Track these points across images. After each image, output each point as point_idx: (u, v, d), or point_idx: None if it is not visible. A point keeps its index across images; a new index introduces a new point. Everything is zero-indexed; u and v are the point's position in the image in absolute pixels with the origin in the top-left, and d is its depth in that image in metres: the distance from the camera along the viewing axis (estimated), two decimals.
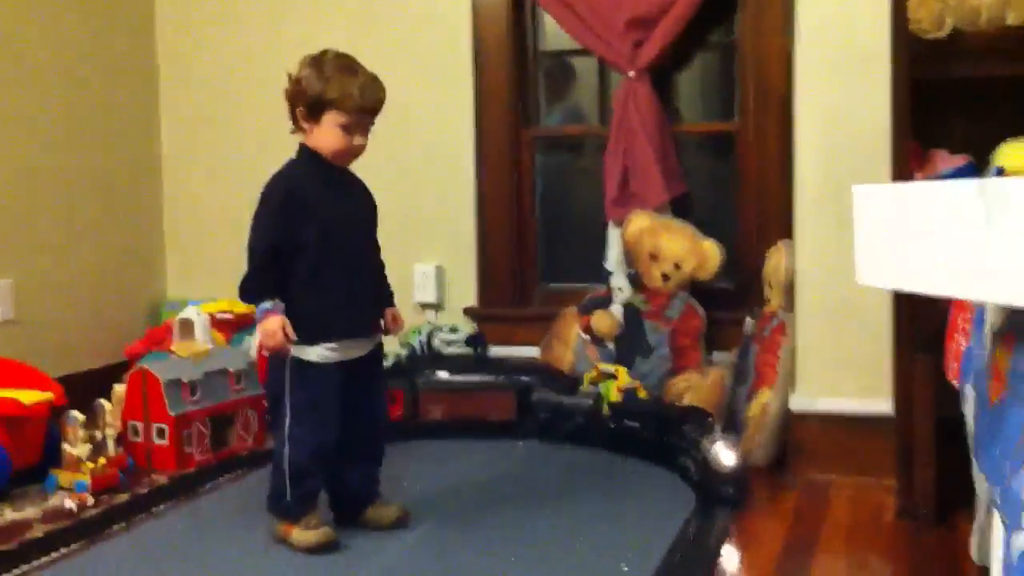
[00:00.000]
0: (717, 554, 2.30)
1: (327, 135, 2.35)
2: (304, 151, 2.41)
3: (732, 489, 2.62)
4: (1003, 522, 1.43)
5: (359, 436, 2.44)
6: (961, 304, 2.31)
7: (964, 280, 1.62)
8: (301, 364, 2.36)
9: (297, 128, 2.40)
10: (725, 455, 2.66)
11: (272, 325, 2.31)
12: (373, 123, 2.40)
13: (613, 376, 3.37)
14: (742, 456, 2.71)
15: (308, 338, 2.34)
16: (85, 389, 3.19)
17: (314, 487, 2.40)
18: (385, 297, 2.56)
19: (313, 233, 2.34)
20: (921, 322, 2.54)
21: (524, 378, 3.51)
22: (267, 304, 2.33)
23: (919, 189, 1.70)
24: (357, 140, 2.37)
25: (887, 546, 2.37)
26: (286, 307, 2.33)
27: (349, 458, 2.44)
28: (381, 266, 2.58)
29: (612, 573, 2.18)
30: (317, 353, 2.36)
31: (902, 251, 1.79)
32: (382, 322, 2.51)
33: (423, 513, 2.57)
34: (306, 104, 2.34)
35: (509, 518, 2.56)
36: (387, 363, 3.61)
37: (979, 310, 2.05)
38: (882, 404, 2.70)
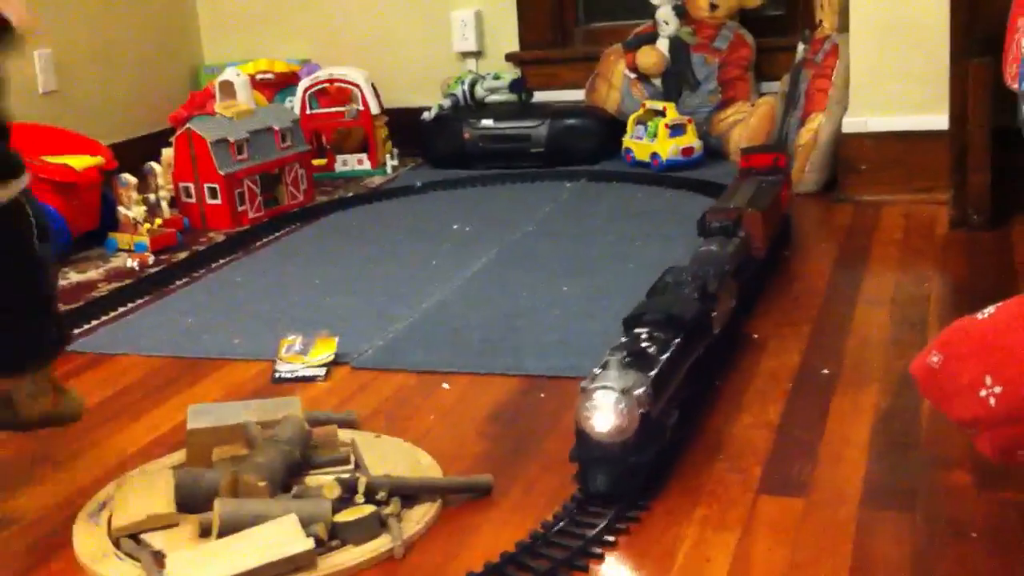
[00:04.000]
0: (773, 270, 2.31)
1: None
2: None
3: (601, 477, 1.42)
4: None
5: None
6: (1022, 4, 2.20)
7: None
8: None
9: None
10: (601, 418, 1.42)
11: None
12: None
13: (661, 113, 3.31)
14: (630, 420, 1.41)
15: None
16: (132, 157, 3.21)
17: None
18: None
19: None
20: (979, 28, 2.44)
21: (570, 122, 3.48)
22: None
23: None
24: None
25: (939, 255, 2.36)
26: None
27: None
28: None
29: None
30: None
31: None
32: None
33: (481, 247, 2.63)
34: None
35: (563, 246, 2.59)
36: (430, 114, 3.60)
37: None
38: (938, 120, 2.63)
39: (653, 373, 1.46)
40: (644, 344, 1.52)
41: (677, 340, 1.56)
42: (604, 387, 1.41)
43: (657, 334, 1.56)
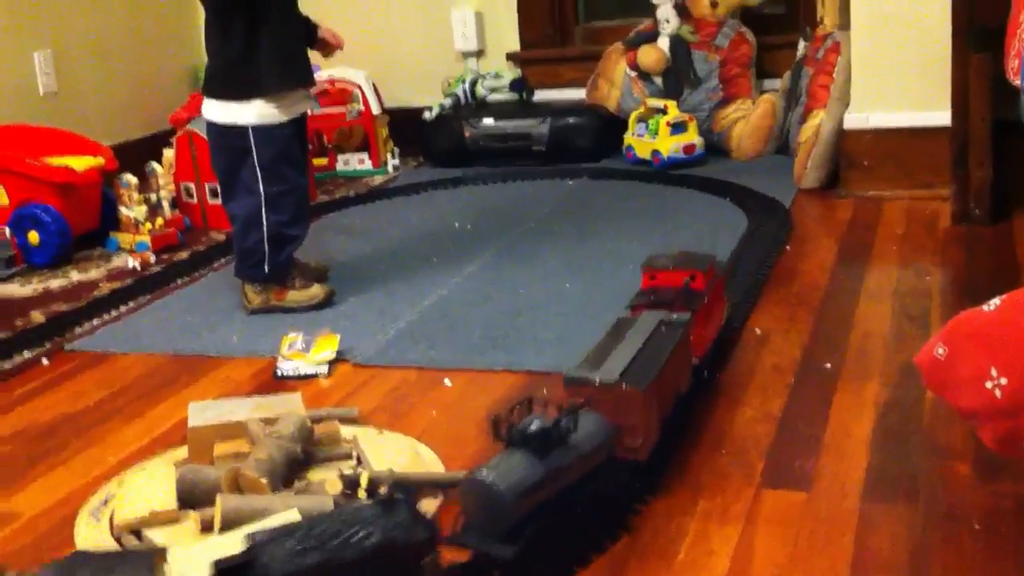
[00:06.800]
0: (772, 263, 2.31)
1: None
2: None
3: None
4: None
5: None
6: None
7: None
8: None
9: None
10: None
11: None
12: None
13: (662, 111, 3.31)
14: None
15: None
16: (134, 158, 3.21)
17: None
18: None
19: None
20: (980, 22, 2.44)
21: (571, 120, 3.48)
22: None
23: None
24: None
25: (941, 249, 2.36)
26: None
27: None
28: None
29: None
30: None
31: None
32: None
33: (482, 245, 2.62)
34: None
35: (564, 244, 2.59)
36: (431, 114, 3.60)
37: None
38: (940, 115, 2.62)
39: None
40: None
41: None
42: None
43: None
